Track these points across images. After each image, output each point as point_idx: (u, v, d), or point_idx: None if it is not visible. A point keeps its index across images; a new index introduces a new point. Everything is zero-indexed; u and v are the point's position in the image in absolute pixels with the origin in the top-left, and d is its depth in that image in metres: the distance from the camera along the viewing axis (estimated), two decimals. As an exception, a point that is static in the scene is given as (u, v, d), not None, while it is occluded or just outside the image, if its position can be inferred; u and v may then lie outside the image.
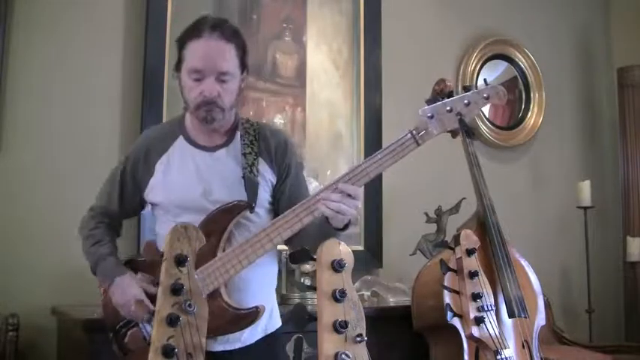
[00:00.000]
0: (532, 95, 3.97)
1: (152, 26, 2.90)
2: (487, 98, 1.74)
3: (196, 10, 3.02)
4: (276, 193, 1.85)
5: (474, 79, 3.76)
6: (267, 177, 1.82)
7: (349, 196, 1.63)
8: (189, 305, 1.37)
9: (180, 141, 1.84)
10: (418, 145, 1.70)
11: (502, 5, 3.97)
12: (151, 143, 1.86)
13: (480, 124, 3.77)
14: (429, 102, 1.75)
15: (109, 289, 1.74)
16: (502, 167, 3.84)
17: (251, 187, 1.76)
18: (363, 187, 1.67)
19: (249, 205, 1.73)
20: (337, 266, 1.30)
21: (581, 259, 3.86)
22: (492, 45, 3.82)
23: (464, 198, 3.16)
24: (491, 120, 3.85)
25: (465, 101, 1.72)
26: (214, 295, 1.65)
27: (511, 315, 2.40)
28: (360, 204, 1.67)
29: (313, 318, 1.28)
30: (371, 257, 3.31)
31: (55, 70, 2.78)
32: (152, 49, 2.89)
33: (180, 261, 1.40)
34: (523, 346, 2.42)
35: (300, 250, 1.46)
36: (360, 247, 3.27)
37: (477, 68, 3.77)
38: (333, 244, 1.32)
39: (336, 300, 1.28)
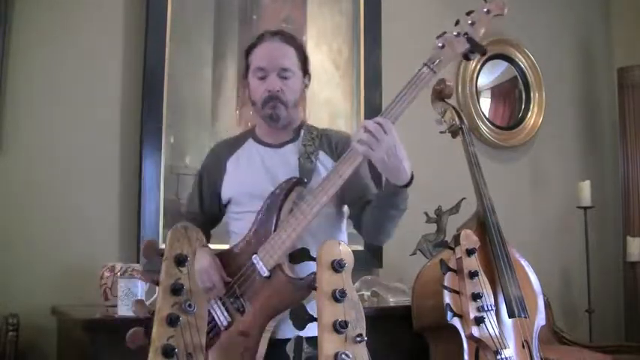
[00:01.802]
0: (532, 95, 3.96)
1: (152, 26, 2.90)
2: (489, 12, 1.82)
3: (196, 10, 3.03)
4: None
5: (474, 78, 3.76)
6: (328, 167, 1.88)
7: (380, 127, 1.65)
8: (189, 305, 1.38)
9: (250, 142, 2.01)
10: (435, 73, 1.81)
11: (502, 5, 3.97)
12: (222, 148, 2.06)
13: (480, 124, 3.77)
14: (438, 37, 1.85)
15: None
16: (502, 167, 3.83)
17: (305, 168, 1.86)
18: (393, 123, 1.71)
19: (302, 180, 1.81)
20: (337, 266, 1.30)
21: (581, 259, 3.86)
22: (492, 45, 3.81)
23: (464, 198, 3.16)
24: (491, 120, 3.85)
25: (470, 21, 1.81)
26: (276, 271, 1.69)
27: (511, 315, 2.40)
28: (394, 140, 1.66)
29: (313, 318, 1.28)
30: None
31: (55, 71, 2.78)
32: (152, 49, 2.89)
33: (180, 261, 1.40)
34: (523, 346, 2.42)
35: (300, 250, 1.46)
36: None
37: (477, 68, 3.77)
38: (333, 244, 1.32)
39: (336, 300, 1.27)
